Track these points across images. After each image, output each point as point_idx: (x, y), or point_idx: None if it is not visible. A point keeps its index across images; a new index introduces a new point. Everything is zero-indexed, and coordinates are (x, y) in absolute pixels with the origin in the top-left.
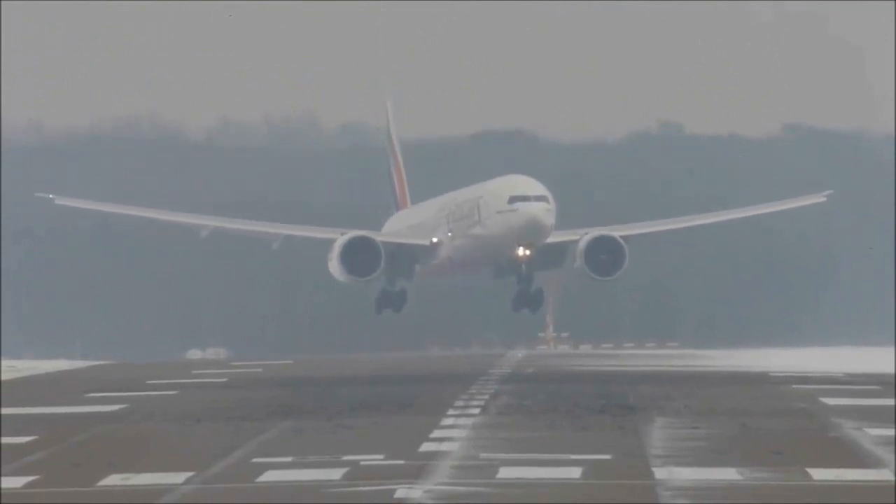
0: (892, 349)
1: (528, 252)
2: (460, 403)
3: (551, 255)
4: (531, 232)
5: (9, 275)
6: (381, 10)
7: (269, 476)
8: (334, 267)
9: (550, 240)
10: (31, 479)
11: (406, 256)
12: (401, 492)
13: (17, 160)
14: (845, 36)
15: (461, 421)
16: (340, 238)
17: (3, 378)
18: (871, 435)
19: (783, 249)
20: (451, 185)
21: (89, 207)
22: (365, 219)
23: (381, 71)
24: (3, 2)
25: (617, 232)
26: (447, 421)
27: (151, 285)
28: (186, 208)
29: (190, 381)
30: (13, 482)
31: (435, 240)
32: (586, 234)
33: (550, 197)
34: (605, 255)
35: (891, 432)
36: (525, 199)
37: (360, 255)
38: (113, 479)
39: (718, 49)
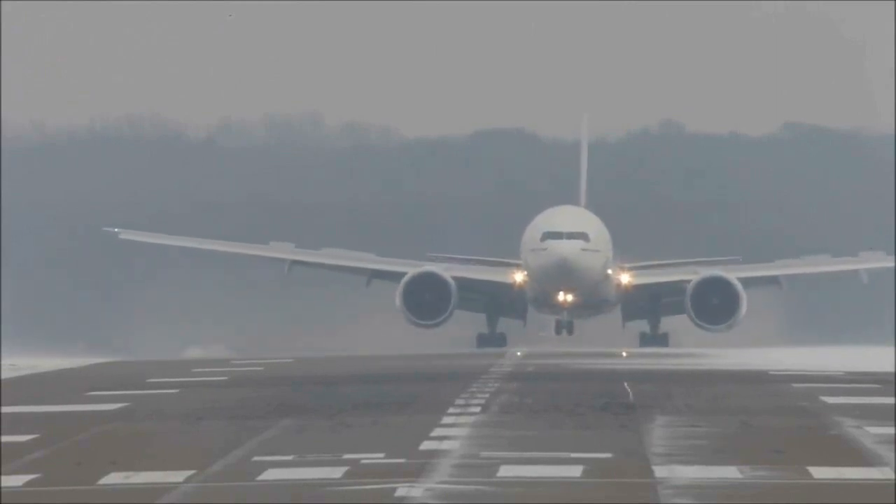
0: (892, 348)
1: (568, 297)
2: (461, 402)
3: (674, 299)
4: (561, 275)
5: (9, 274)
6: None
7: (270, 474)
8: (399, 308)
9: (660, 279)
10: (31, 477)
11: (490, 295)
12: (401, 490)
13: (18, 160)
14: (845, 34)
15: (462, 419)
16: (407, 274)
17: (4, 376)
18: (872, 433)
19: (783, 248)
20: (450, 184)
21: (156, 242)
22: (367, 220)
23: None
24: (3, 1)
25: (734, 273)
26: (448, 419)
27: (151, 283)
28: (186, 208)
29: (191, 379)
30: (13, 481)
31: (518, 276)
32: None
33: (594, 234)
34: (716, 300)
35: (891, 430)
36: (557, 235)
37: (426, 295)
38: (114, 478)
39: (719, 47)
